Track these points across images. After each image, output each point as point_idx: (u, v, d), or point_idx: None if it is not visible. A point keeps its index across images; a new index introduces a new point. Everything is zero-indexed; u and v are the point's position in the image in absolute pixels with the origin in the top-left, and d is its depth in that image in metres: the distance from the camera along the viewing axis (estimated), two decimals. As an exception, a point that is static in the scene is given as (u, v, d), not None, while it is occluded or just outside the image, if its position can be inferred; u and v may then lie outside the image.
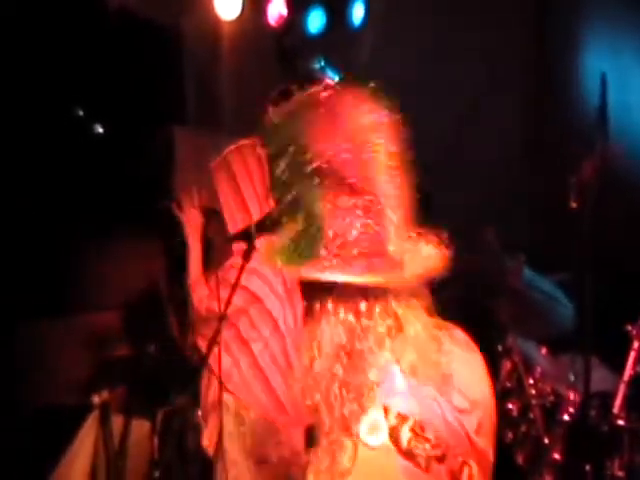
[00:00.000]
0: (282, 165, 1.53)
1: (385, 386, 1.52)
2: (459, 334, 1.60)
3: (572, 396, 3.55)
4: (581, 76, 5.56)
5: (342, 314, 1.52)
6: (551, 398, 3.55)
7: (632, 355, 3.22)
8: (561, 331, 3.89)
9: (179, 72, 5.33)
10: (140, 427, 3.27)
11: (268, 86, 5.01)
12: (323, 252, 1.49)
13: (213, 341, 3.06)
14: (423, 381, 1.50)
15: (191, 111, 5.40)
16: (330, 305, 1.53)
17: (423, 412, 1.48)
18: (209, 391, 3.23)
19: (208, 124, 5.34)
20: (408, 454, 1.47)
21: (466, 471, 1.50)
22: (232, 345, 3.24)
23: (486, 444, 1.55)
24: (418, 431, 1.48)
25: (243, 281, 3.09)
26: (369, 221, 1.51)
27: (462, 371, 1.53)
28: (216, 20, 5.26)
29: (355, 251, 1.49)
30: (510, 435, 3.79)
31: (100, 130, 5.13)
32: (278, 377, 3.19)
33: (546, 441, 3.49)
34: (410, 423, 1.48)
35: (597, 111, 3.08)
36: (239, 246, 3.18)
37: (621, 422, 3.22)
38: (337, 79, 5.07)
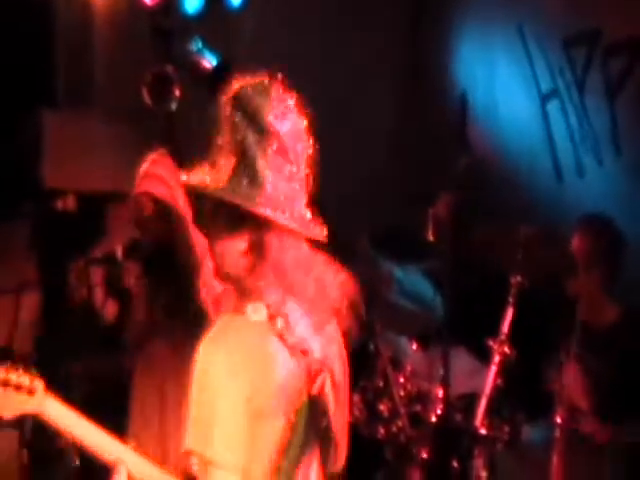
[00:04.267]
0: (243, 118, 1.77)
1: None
2: None
3: (440, 394, 3.66)
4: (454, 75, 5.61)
5: None
6: (417, 407, 3.63)
7: (493, 369, 3.32)
8: (429, 330, 3.99)
9: (49, 52, 5.10)
10: None
11: (143, 67, 4.87)
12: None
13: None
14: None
15: (61, 93, 5.19)
16: None
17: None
18: None
19: (79, 106, 5.15)
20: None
21: (322, 377, 1.84)
22: None
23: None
24: None
25: None
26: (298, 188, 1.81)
27: None
28: (89, -2, 5.06)
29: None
30: (382, 431, 3.88)
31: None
32: None
33: (413, 445, 3.59)
34: None
35: (457, 135, 3.11)
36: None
37: (483, 431, 3.34)
38: (215, 62, 4.96)
